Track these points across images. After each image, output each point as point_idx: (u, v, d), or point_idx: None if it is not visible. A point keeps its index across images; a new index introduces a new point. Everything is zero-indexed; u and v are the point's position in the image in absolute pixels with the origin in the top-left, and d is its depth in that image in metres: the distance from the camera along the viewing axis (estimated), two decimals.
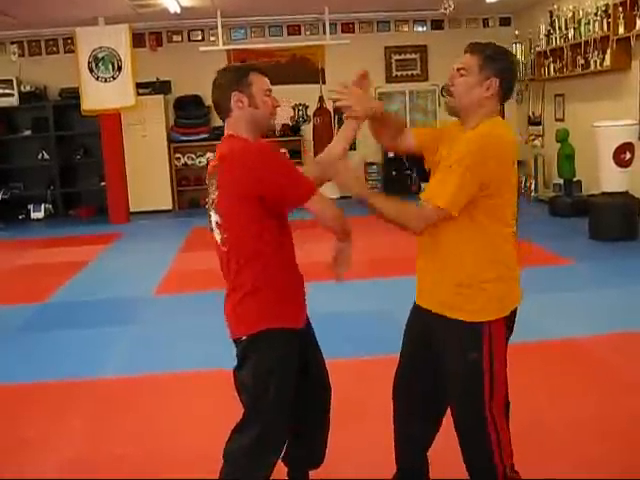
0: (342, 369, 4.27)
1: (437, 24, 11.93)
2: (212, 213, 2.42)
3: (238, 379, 2.44)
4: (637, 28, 7.94)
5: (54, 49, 11.53)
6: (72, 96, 10.67)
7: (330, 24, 10.75)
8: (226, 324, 2.46)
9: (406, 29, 12.06)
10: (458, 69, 2.35)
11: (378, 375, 4.09)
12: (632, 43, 8.15)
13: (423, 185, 11.63)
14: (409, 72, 12.17)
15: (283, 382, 2.38)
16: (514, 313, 2.43)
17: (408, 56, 12.11)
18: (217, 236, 2.42)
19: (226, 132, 2.45)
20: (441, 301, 2.41)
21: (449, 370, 2.46)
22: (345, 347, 4.58)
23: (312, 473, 2.76)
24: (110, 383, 4.31)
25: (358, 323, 5.24)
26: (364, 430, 3.41)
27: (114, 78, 10.16)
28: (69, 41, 10.99)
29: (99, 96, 10.11)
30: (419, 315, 2.54)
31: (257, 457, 2.39)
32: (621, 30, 8.24)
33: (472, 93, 2.33)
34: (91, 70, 10.11)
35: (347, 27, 11.86)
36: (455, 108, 2.40)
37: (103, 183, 10.96)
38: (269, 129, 2.52)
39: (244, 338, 2.38)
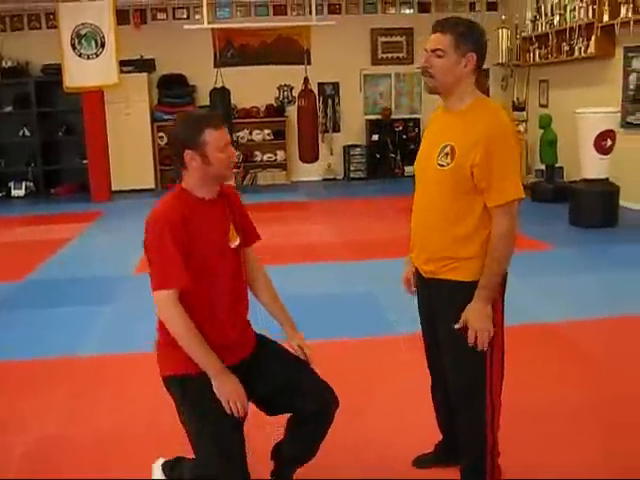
0: (330, 350, 4.32)
1: (423, 7, 11.89)
2: None
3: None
4: (621, 16, 7.98)
5: (36, 24, 11.37)
6: (54, 72, 10.52)
7: (316, 5, 10.63)
8: None
9: (393, 11, 12.03)
10: (433, 50, 2.37)
11: (363, 356, 4.16)
12: (616, 31, 8.19)
13: (406, 169, 11.67)
14: (395, 55, 12.14)
15: (204, 422, 2.38)
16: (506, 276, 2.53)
17: (394, 39, 12.08)
18: None
19: (183, 183, 2.47)
20: (441, 266, 2.49)
21: (449, 334, 2.51)
22: (327, 328, 4.64)
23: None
24: (89, 361, 4.30)
25: (339, 305, 5.26)
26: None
27: (97, 55, 10.05)
28: (51, 16, 10.84)
29: (82, 73, 10.01)
30: (422, 286, 2.64)
31: None
32: (606, 17, 8.28)
33: (453, 72, 2.38)
34: (74, 47, 10.00)
35: (334, 8, 11.81)
36: (436, 88, 2.44)
37: (85, 161, 10.88)
38: (225, 180, 2.51)
39: (164, 377, 2.50)
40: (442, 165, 2.40)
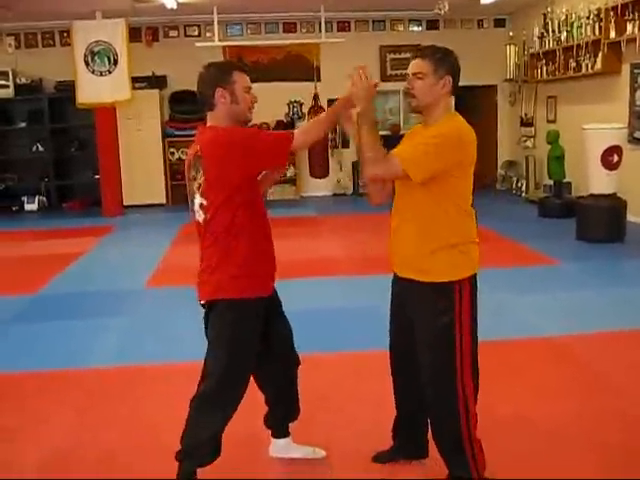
0: (330, 363, 4.38)
1: (432, 24, 12.03)
2: (197, 196, 2.70)
3: (208, 335, 2.80)
4: (628, 33, 8.05)
5: (50, 42, 11.58)
6: (68, 89, 10.71)
7: (326, 22, 10.82)
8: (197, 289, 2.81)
9: (401, 28, 12.16)
10: (414, 73, 2.66)
11: (365, 369, 4.20)
12: (623, 47, 8.27)
13: None
14: (404, 71, 12.16)
15: (238, 344, 2.69)
16: (475, 278, 2.71)
17: (403, 55, 12.16)
18: (200, 217, 2.71)
19: (208, 123, 2.76)
20: (416, 268, 2.68)
21: (421, 334, 2.69)
22: (333, 341, 4.72)
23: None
24: (100, 374, 4.37)
25: (345, 318, 5.31)
26: (354, 415, 3.50)
27: (110, 72, 10.23)
28: (65, 34, 11.06)
29: (94, 89, 10.18)
30: (397, 285, 2.84)
31: (213, 405, 2.74)
32: (612, 34, 8.35)
33: (431, 92, 2.65)
34: (87, 63, 10.18)
35: (343, 25, 11.95)
36: (418, 107, 2.71)
37: (97, 176, 11.01)
38: (246, 122, 2.77)
39: (204, 302, 2.78)
40: None
